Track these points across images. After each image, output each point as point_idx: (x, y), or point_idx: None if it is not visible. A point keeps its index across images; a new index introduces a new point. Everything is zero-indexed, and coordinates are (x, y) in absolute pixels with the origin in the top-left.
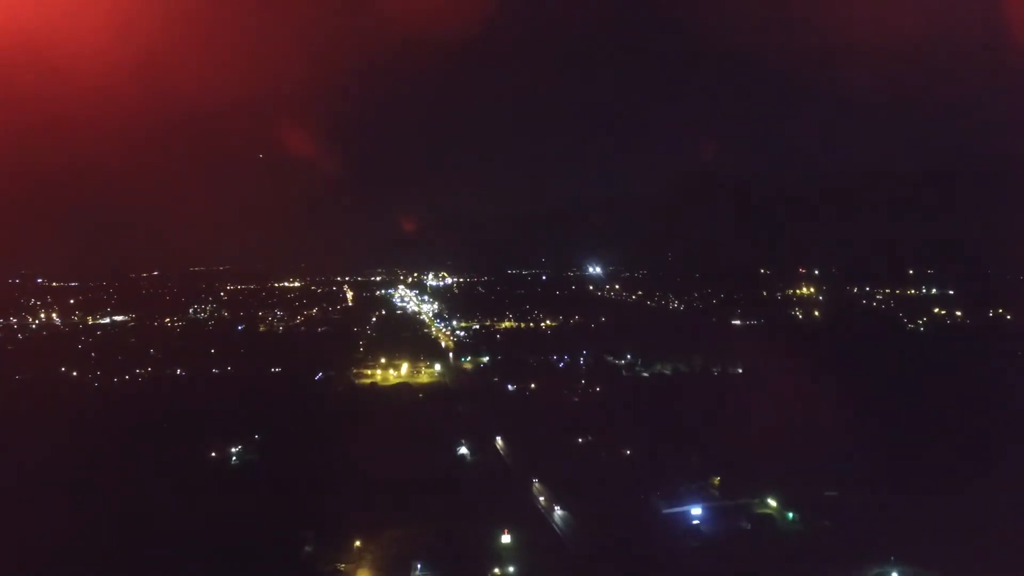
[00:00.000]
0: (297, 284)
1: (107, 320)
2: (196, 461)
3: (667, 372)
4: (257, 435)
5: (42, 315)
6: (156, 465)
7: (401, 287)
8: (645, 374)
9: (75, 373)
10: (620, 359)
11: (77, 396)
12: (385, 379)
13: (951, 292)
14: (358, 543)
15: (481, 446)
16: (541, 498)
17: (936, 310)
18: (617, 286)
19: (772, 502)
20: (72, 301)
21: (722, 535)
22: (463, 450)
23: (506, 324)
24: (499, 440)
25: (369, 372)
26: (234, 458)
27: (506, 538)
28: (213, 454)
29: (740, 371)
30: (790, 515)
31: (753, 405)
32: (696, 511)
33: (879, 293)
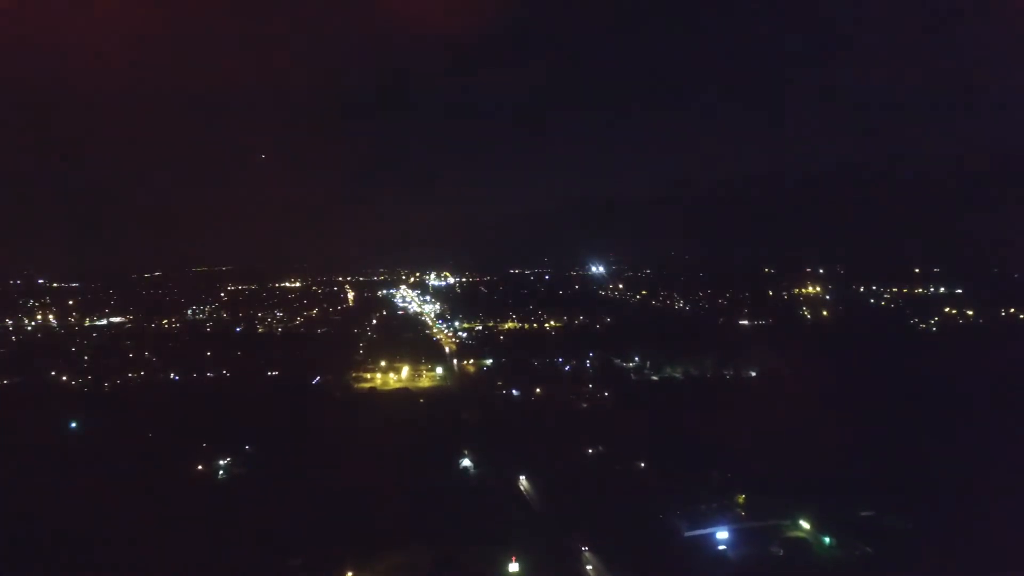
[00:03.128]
0: (298, 284)
1: (104, 322)
2: (180, 475)
3: (677, 376)
4: (248, 446)
5: (39, 316)
6: (136, 480)
7: (403, 287)
8: (654, 378)
9: (64, 378)
10: (628, 362)
11: (62, 402)
12: (385, 383)
13: (959, 291)
14: (351, 573)
15: (485, 457)
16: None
17: (946, 309)
18: (621, 285)
19: (804, 524)
20: (71, 302)
21: (753, 562)
22: (466, 462)
23: (509, 325)
24: (502, 450)
25: (368, 376)
26: (221, 472)
27: (514, 566)
28: (200, 467)
29: (753, 375)
30: (827, 540)
31: (771, 412)
32: (722, 534)
33: (886, 292)
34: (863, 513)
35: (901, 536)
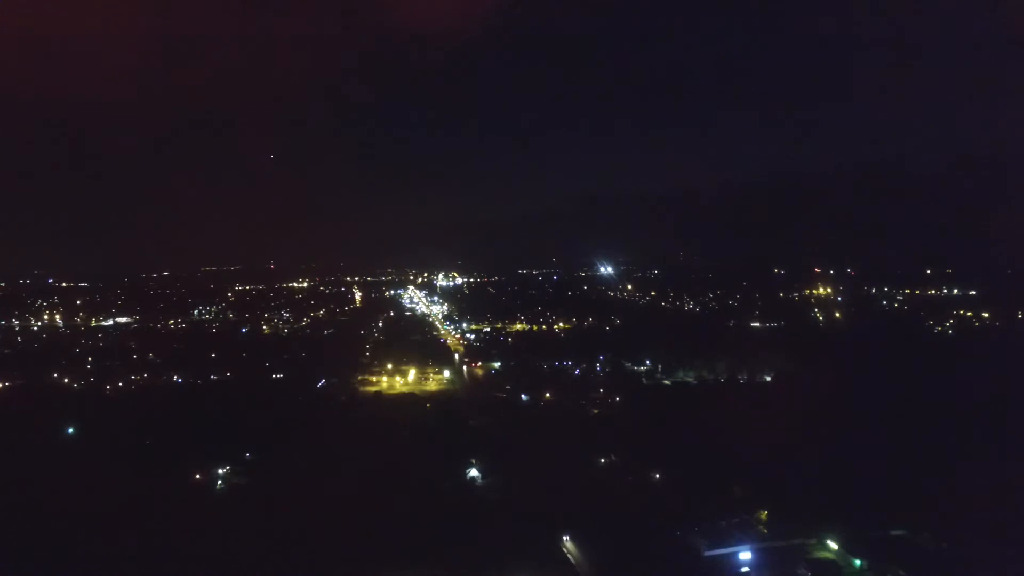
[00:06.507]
0: (306, 284)
1: (110, 322)
2: (176, 486)
3: (690, 380)
4: (248, 453)
5: (45, 317)
6: (128, 491)
7: (411, 287)
8: (666, 382)
9: (66, 380)
10: (639, 365)
11: (61, 406)
12: (391, 387)
13: (972, 292)
14: None
15: (493, 467)
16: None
17: (960, 311)
18: (629, 286)
19: (832, 544)
20: (79, 302)
21: None
22: (473, 472)
23: (518, 326)
24: (510, 460)
25: (375, 379)
26: (219, 482)
27: None
28: (197, 476)
29: (768, 379)
30: (857, 562)
31: (789, 420)
32: (744, 554)
33: (898, 294)
34: (894, 532)
35: (936, 558)
